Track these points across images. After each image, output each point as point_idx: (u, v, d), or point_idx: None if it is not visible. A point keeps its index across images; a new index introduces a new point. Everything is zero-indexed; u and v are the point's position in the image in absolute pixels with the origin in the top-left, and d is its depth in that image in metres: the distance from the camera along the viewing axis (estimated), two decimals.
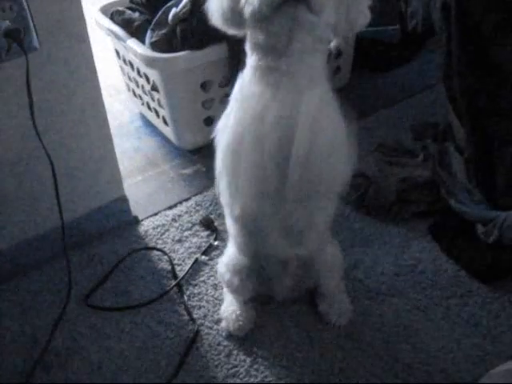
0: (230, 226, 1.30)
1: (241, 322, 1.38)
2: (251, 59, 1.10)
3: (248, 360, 1.34)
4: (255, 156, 1.10)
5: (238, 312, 1.39)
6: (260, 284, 1.38)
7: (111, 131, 1.61)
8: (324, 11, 1.00)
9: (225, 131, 1.13)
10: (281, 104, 1.07)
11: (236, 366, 1.33)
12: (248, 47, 1.11)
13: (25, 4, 1.29)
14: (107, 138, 1.60)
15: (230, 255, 1.38)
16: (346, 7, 1.06)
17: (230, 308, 1.41)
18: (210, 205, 1.76)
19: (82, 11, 1.41)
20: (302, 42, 1.03)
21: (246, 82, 1.11)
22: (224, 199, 1.23)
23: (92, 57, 1.48)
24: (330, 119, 1.12)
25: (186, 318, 1.44)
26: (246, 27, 1.07)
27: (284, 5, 0.97)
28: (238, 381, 1.30)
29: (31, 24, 1.32)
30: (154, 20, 1.88)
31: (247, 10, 1.02)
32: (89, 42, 1.45)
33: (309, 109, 1.07)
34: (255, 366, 1.32)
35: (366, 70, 2.35)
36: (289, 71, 1.06)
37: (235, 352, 1.36)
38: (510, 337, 1.35)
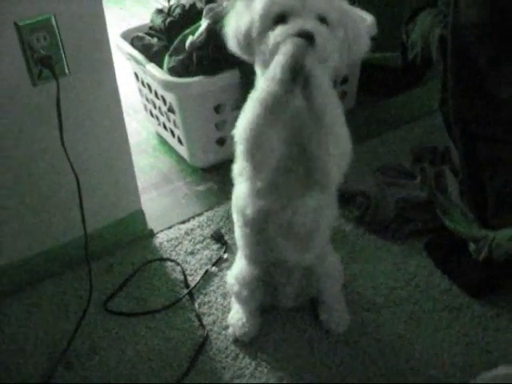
0: (240, 235, 1.38)
1: (246, 329, 1.47)
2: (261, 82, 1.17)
3: (253, 363, 1.43)
4: (274, 142, 1.15)
5: (244, 319, 1.48)
6: (266, 293, 1.48)
7: None
8: (328, 61, 1.12)
9: (243, 119, 1.17)
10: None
11: (241, 369, 1.42)
12: (258, 75, 1.20)
13: (57, 34, 1.41)
14: (127, 156, 1.71)
15: (238, 267, 1.47)
16: (348, 46, 1.17)
17: (236, 316, 1.50)
18: (221, 220, 1.85)
19: (107, 40, 1.52)
20: None
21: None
22: (238, 205, 1.32)
23: (115, 81, 1.58)
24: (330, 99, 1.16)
25: (197, 324, 1.54)
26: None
27: None
28: (244, 382, 1.40)
29: (62, 52, 1.44)
30: (172, 46, 1.99)
31: (258, 57, 1.15)
32: (113, 67, 1.56)
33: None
34: (259, 369, 1.42)
35: (371, 95, 2.45)
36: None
37: (241, 356, 1.45)
38: (497, 348, 1.43)
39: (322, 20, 1.11)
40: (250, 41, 1.17)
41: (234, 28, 1.20)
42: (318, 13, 1.11)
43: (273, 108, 1.10)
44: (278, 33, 1.09)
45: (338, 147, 1.16)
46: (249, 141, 1.14)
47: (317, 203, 1.26)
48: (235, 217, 1.38)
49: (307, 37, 1.06)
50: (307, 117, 1.14)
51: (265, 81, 1.11)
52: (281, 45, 1.08)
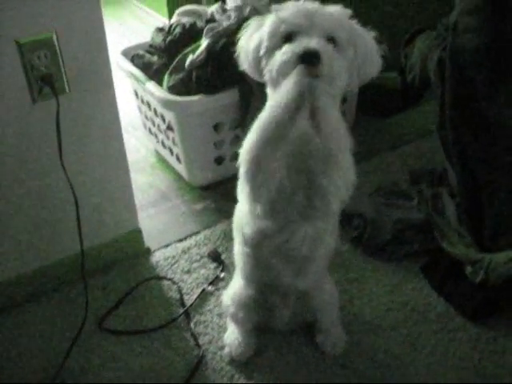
0: (239, 253, 1.38)
1: (242, 349, 1.47)
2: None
3: None
4: (275, 166, 1.15)
5: (239, 339, 1.48)
6: (261, 315, 1.47)
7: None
8: (336, 79, 1.11)
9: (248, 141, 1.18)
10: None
11: None
12: (268, 92, 1.22)
13: (58, 52, 1.42)
14: (125, 173, 1.71)
15: (235, 288, 1.46)
16: (358, 66, 1.17)
17: (232, 335, 1.49)
18: (218, 239, 1.85)
19: (108, 58, 1.53)
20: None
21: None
22: (238, 222, 1.33)
23: (115, 99, 1.59)
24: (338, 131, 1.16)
25: (193, 343, 1.53)
26: None
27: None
28: None
29: (63, 70, 1.45)
30: (172, 65, 2.00)
31: (266, 75, 1.16)
32: (113, 85, 1.57)
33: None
34: None
35: (370, 116, 2.46)
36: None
37: (237, 376, 1.45)
38: (493, 371, 1.43)
39: (331, 39, 1.12)
40: (258, 60, 1.18)
41: (245, 48, 1.21)
42: (326, 32, 1.11)
43: (276, 133, 1.10)
44: (284, 51, 1.10)
45: (341, 177, 1.16)
46: (250, 163, 1.14)
47: (315, 230, 1.25)
48: (235, 233, 1.39)
49: (313, 56, 1.07)
50: (312, 144, 1.14)
51: (270, 106, 1.12)
52: (289, 71, 1.08)
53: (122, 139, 1.66)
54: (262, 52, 1.16)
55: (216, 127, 1.99)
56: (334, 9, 1.16)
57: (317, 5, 1.15)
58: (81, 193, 1.54)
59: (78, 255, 1.54)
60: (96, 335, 1.56)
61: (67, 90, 1.48)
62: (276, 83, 1.13)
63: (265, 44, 1.15)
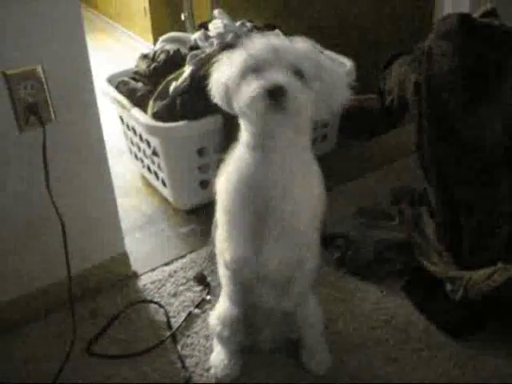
0: (223, 275, 1.42)
1: (228, 371, 1.49)
2: (244, 135, 1.26)
3: None
4: (246, 212, 1.26)
5: (225, 361, 1.49)
6: (247, 334, 1.50)
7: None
8: (302, 112, 1.16)
9: (222, 191, 1.30)
10: (266, 170, 1.23)
11: None
12: (241, 124, 1.26)
13: (44, 83, 1.46)
14: (111, 198, 1.74)
15: (221, 308, 1.49)
16: (326, 96, 1.21)
17: (218, 357, 1.51)
18: (204, 262, 1.87)
19: (93, 86, 1.57)
20: (285, 134, 1.20)
21: (241, 153, 1.27)
22: (218, 246, 1.38)
23: (100, 125, 1.63)
24: (309, 179, 1.28)
25: (179, 366, 1.54)
26: None
27: (266, 112, 1.13)
28: None
29: (49, 99, 1.49)
30: (157, 91, 2.04)
31: (236, 109, 1.20)
32: (98, 112, 1.61)
33: (288, 175, 1.24)
34: None
35: (352, 137, 2.51)
36: (275, 148, 1.21)
37: None
38: None
39: (297, 72, 1.15)
40: (227, 93, 1.22)
41: (216, 81, 1.25)
42: (292, 65, 1.15)
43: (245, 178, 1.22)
44: (251, 86, 1.13)
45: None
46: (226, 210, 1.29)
47: (292, 255, 1.31)
48: (218, 256, 1.43)
49: (279, 91, 1.10)
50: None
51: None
52: (257, 106, 1.13)
53: (108, 164, 1.70)
54: (231, 86, 1.20)
55: (200, 151, 2.02)
56: (301, 43, 1.20)
57: (284, 40, 1.20)
58: (67, 218, 1.56)
59: (66, 280, 1.56)
60: (84, 359, 1.57)
61: (53, 119, 1.51)
62: (246, 118, 1.19)
63: (233, 78, 1.19)
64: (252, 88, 1.13)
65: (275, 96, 1.10)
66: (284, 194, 1.23)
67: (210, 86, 1.27)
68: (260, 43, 1.18)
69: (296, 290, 1.39)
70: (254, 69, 1.16)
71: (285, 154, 1.22)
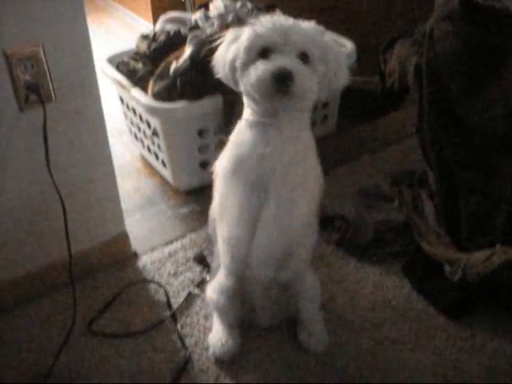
0: (220, 247, 1.43)
1: (226, 348, 1.50)
2: (246, 112, 1.28)
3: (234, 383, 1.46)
4: (241, 187, 1.27)
5: (223, 339, 1.51)
6: (245, 310, 1.51)
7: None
8: (307, 96, 1.18)
9: (221, 167, 1.32)
10: (264, 147, 1.24)
11: None
12: (244, 98, 1.28)
13: (44, 62, 1.45)
14: (111, 179, 1.74)
15: (218, 278, 1.50)
16: (329, 79, 1.23)
17: (217, 336, 1.53)
18: (204, 242, 1.88)
19: (93, 66, 1.56)
20: (288, 112, 1.22)
21: (241, 128, 1.28)
22: (215, 219, 1.40)
23: (101, 105, 1.62)
24: (307, 161, 1.30)
25: (179, 345, 1.56)
26: None
27: (272, 95, 1.15)
28: None
29: (49, 79, 1.48)
30: (157, 72, 2.04)
31: (241, 88, 1.21)
32: (98, 92, 1.60)
33: (289, 152, 1.25)
34: None
35: (351, 119, 2.51)
36: (275, 125, 1.23)
37: (222, 376, 1.48)
38: (471, 367, 1.47)
39: (304, 56, 1.17)
40: (234, 71, 1.23)
41: (222, 58, 1.26)
42: (299, 49, 1.16)
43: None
44: (259, 69, 1.15)
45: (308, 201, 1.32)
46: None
47: (288, 236, 1.33)
48: (216, 228, 1.44)
49: (287, 76, 1.12)
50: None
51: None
52: (263, 88, 1.15)
53: (108, 145, 1.70)
54: (237, 65, 1.21)
55: (200, 132, 2.03)
56: (308, 25, 1.21)
57: (291, 21, 1.20)
58: (68, 198, 1.57)
59: (66, 259, 1.57)
60: (85, 338, 1.59)
61: (53, 98, 1.51)
62: (251, 97, 1.21)
63: (241, 57, 1.20)
64: (260, 70, 1.15)
65: (282, 80, 1.13)
66: (282, 172, 1.25)
67: (215, 61, 1.28)
68: (268, 24, 1.19)
69: (292, 261, 1.39)
70: (262, 49, 1.17)
71: (285, 132, 1.24)
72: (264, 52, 1.17)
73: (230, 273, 1.44)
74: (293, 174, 1.26)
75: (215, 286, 1.50)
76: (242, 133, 1.28)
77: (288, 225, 1.31)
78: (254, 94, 1.18)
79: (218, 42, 1.28)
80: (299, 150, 1.27)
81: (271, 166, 1.24)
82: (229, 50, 1.24)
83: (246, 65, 1.19)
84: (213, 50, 1.28)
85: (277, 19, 1.20)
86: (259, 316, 1.52)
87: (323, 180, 1.33)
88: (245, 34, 1.21)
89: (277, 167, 1.24)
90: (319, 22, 1.24)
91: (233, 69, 1.23)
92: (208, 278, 1.74)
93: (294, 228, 1.32)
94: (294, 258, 1.38)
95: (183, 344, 1.56)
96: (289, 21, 1.20)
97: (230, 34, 1.26)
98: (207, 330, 1.60)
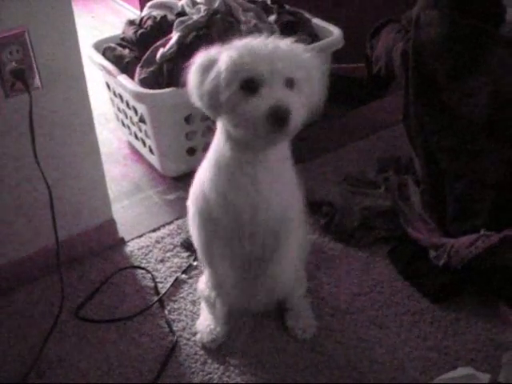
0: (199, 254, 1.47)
1: (214, 336, 1.51)
2: (224, 144, 1.22)
3: (221, 368, 1.47)
4: (225, 219, 1.29)
5: (211, 326, 1.52)
6: (235, 297, 1.51)
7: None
8: (299, 127, 1.15)
9: (198, 196, 1.34)
10: (257, 192, 1.24)
11: (210, 373, 1.46)
12: (221, 130, 1.21)
13: (30, 47, 1.45)
14: (98, 165, 1.74)
15: (208, 274, 1.50)
16: (310, 96, 1.19)
17: (204, 322, 1.54)
18: None
19: (79, 52, 1.56)
20: (274, 147, 1.20)
21: (216, 166, 1.26)
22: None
23: (87, 92, 1.62)
24: (289, 187, 1.31)
25: (167, 330, 1.57)
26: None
27: (266, 135, 1.11)
28: None
29: (34, 64, 1.48)
30: (143, 58, 2.03)
31: (227, 124, 1.18)
32: (84, 78, 1.60)
33: (272, 182, 1.25)
34: (227, 374, 1.46)
35: (337, 106, 2.51)
36: (260, 162, 1.22)
37: (210, 361, 1.49)
38: (455, 350, 1.49)
39: (290, 81, 1.12)
40: (215, 102, 1.15)
41: (196, 89, 1.18)
42: (285, 76, 1.11)
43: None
44: (251, 106, 1.09)
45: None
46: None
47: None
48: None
49: (284, 114, 1.07)
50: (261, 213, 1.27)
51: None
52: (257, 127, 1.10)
53: (95, 131, 1.69)
54: (221, 98, 1.12)
55: (187, 119, 2.02)
56: (288, 46, 1.15)
57: (270, 44, 1.13)
58: (55, 185, 1.57)
59: (54, 246, 1.57)
60: (72, 324, 1.59)
61: (39, 85, 1.51)
62: (244, 128, 1.13)
63: (222, 88, 1.12)
64: (252, 109, 1.08)
65: (279, 119, 1.07)
66: (268, 196, 1.25)
67: (190, 88, 1.21)
68: (249, 49, 1.12)
69: (284, 262, 1.42)
70: (245, 81, 1.10)
71: (269, 166, 1.23)
72: (248, 84, 1.10)
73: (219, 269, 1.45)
74: (278, 197, 1.27)
75: (207, 281, 1.51)
76: (216, 174, 1.25)
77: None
78: (246, 134, 1.12)
79: (191, 66, 1.20)
80: (282, 168, 1.27)
81: (258, 192, 1.24)
82: (205, 80, 1.15)
83: (231, 100, 1.11)
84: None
85: (254, 44, 1.13)
86: (250, 301, 1.52)
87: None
88: (222, 62, 1.13)
89: (263, 192, 1.24)
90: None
91: (215, 100, 1.14)
92: (195, 264, 1.75)
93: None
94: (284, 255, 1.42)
95: (171, 329, 1.57)
96: (267, 45, 1.12)
97: (200, 60, 1.18)
98: (195, 315, 1.61)
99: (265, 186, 1.23)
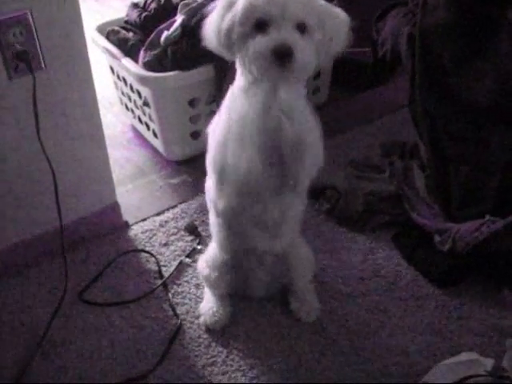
0: (213, 222, 1.44)
1: (217, 318, 1.51)
2: (240, 79, 1.25)
3: (225, 351, 1.48)
4: (241, 150, 1.23)
5: (214, 308, 1.52)
6: (238, 281, 1.52)
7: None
8: (306, 68, 1.17)
9: (215, 132, 1.29)
10: (263, 105, 1.21)
11: (214, 357, 1.47)
12: (238, 67, 1.24)
13: (33, 29, 1.44)
14: (102, 148, 1.74)
15: (210, 253, 1.51)
16: (326, 45, 1.20)
17: (208, 305, 1.54)
18: (195, 212, 1.89)
19: (83, 34, 1.55)
20: (286, 83, 1.19)
21: (235, 93, 1.26)
22: (210, 195, 1.39)
23: (91, 75, 1.61)
24: (306, 119, 1.28)
25: (171, 313, 1.57)
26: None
27: (271, 69, 1.13)
28: (216, 369, 1.44)
29: (38, 47, 1.47)
30: (147, 41, 2.02)
31: (238, 59, 1.20)
32: (88, 61, 1.59)
33: (290, 110, 1.23)
34: (231, 357, 1.46)
35: (343, 90, 2.50)
36: (272, 91, 1.21)
37: (213, 344, 1.49)
38: (459, 335, 1.50)
39: (301, 26, 1.14)
40: (230, 41, 1.19)
41: (215, 26, 1.21)
42: (296, 20, 1.13)
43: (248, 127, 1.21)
44: (258, 44, 1.13)
45: (312, 161, 1.27)
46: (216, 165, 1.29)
47: (286, 201, 1.34)
48: (209, 204, 1.44)
49: (287, 51, 1.10)
50: (285, 134, 1.22)
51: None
52: (262, 63, 1.13)
53: (99, 115, 1.69)
54: (234, 36, 1.17)
55: (192, 102, 2.01)
56: None
57: None
58: (59, 168, 1.57)
59: (58, 229, 1.57)
60: (76, 307, 1.60)
61: (43, 67, 1.50)
62: (249, 70, 1.18)
63: (237, 29, 1.16)
64: (259, 46, 1.12)
65: (282, 56, 1.11)
66: (285, 137, 1.22)
67: (206, 30, 1.24)
68: None
69: (286, 230, 1.41)
70: (258, 22, 1.14)
71: (282, 97, 1.21)
72: (260, 25, 1.14)
73: (223, 248, 1.45)
74: (295, 137, 1.23)
75: (207, 260, 1.51)
76: (236, 98, 1.25)
77: (292, 195, 1.33)
78: (253, 68, 1.15)
79: (212, 9, 1.25)
80: (298, 114, 1.24)
81: (275, 126, 1.22)
82: (223, 19, 1.20)
83: (243, 37, 1.16)
84: (204, 19, 1.26)
85: None
86: (253, 286, 1.53)
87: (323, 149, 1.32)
88: (239, 4, 1.17)
89: (278, 131, 1.22)
90: None
91: (229, 39, 1.19)
92: (199, 247, 1.75)
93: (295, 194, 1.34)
94: (287, 225, 1.39)
95: (174, 312, 1.57)
96: None
97: (222, 1, 1.22)
98: (198, 298, 1.61)
99: (275, 112, 1.22)
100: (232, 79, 1.28)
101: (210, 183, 1.39)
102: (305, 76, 1.23)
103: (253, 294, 1.55)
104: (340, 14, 1.23)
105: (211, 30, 1.23)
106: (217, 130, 1.29)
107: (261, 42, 1.13)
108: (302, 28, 1.14)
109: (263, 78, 1.18)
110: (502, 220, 1.55)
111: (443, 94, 1.66)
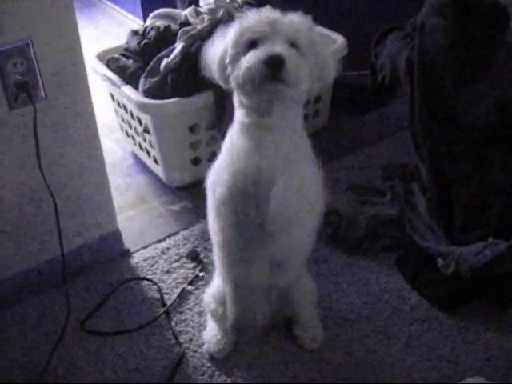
0: (217, 255, 1.42)
1: (221, 346, 1.50)
2: (238, 113, 1.25)
3: (229, 380, 1.46)
4: (238, 199, 1.25)
5: (218, 337, 1.51)
6: (242, 311, 1.50)
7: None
8: (299, 83, 1.16)
9: (215, 181, 1.29)
10: (261, 155, 1.21)
11: None
12: (235, 101, 1.25)
13: (34, 60, 1.45)
14: (103, 176, 1.74)
15: (215, 286, 1.50)
16: (319, 71, 1.22)
17: (211, 333, 1.53)
18: (196, 239, 1.88)
19: (83, 62, 1.56)
20: (281, 107, 1.19)
21: (234, 135, 1.26)
22: (212, 229, 1.38)
23: (91, 102, 1.62)
24: (304, 163, 1.27)
25: (173, 342, 1.56)
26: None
27: (264, 83, 1.13)
28: None
29: (39, 77, 1.47)
30: (147, 68, 2.03)
31: (232, 82, 1.19)
32: (89, 89, 1.60)
33: (285, 157, 1.22)
34: None
35: (343, 114, 2.51)
36: (270, 127, 1.20)
37: (217, 373, 1.48)
38: (465, 360, 1.48)
39: (293, 45, 1.16)
40: (224, 67, 1.21)
41: (210, 55, 1.24)
42: (288, 38, 1.15)
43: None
44: (249, 57, 1.14)
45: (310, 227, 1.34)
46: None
47: (288, 242, 1.33)
48: (212, 235, 1.42)
49: (277, 60, 1.11)
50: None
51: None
52: (254, 77, 1.13)
53: (100, 142, 1.69)
54: (227, 60, 1.19)
55: (192, 128, 2.01)
56: (295, 16, 1.20)
57: (278, 13, 1.19)
58: (60, 196, 1.57)
59: (59, 258, 1.57)
60: (79, 336, 1.58)
61: (44, 96, 1.50)
62: (242, 90, 1.18)
63: (229, 52, 1.19)
64: (250, 58, 1.13)
65: (273, 66, 1.11)
66: (277, 180, 1.22)
67: (204, 61, 1.27)
68: (256, 16, 1.18)
69: (292, 266, 1.40)
70: (250, 42, 1.16)
71: (279, 134, 1.21)
72: (252, 43, 1.16)
73: (227, 282, 1.44)
74: (290, 180, 1.23)
75: (213, 295, 1.50)
76: (235, 140, 1.25)
77: (287, 243, 1.32)
78: (245, 84, 1.15)
79: (207, 41, 1.27)
80: (296, 153, 1.24)
81: (269, 178, 1.22)
82: (217, 47, 1.22)
83: (236, 58, 1.18)
84: (204, 46, 1.27)
85: (263, 12, 1.20)
86: (257, 317, 1.50)
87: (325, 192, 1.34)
88: (232, 28, 1.20)
89: (273, 175, 1.22)
90: (311, 18, 1.23)
91: (222, 65, 1.21)
92: (201, 274, 1.74)
93: (293, 245, 1.34)
94: (293, 264, 1.39)
95: (177, 341, 1.56)
96: (276, 13, 1.19)
97: (217, 33, 1.25)
98: (201, 326, 1.60)
99: (269, 151, 1.21)
100: (232, 105, 1.28)
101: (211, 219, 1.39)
102: (298, 96, 1.21)
103: (256, 325, 1.53)
104: (329, 44, 1.25)
105: (207, 59, 1.26)
106: (215, 177, 1.31)
107: (252, 55, 1.14)
108: (292, 44, 1.16)
109: (257, 96, 1.17)
110: (506, 242, 1.54)
111: (443, 115, 1.67)
